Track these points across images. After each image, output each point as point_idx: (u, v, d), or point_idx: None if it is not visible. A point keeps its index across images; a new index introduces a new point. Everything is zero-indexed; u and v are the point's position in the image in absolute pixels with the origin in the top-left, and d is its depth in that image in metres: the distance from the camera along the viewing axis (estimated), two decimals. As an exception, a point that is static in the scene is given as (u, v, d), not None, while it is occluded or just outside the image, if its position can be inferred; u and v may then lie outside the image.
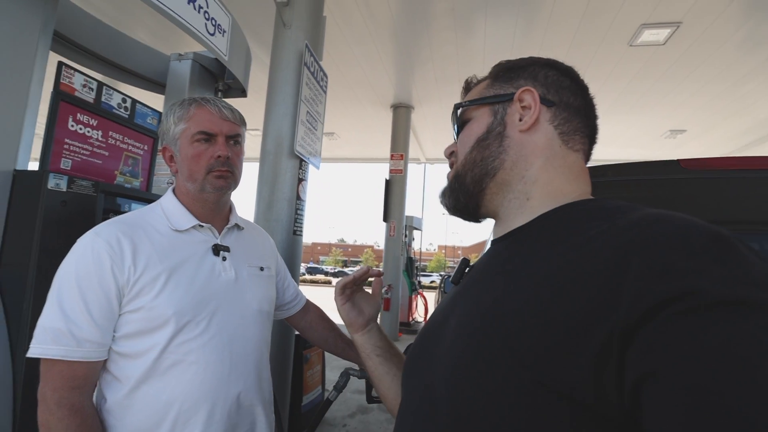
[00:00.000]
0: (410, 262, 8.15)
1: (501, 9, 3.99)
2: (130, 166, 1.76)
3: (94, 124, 1.60)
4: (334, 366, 4.00)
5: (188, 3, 1.74)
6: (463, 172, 0.59)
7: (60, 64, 1.47)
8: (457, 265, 0.65)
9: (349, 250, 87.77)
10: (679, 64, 4.82)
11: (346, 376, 1.24)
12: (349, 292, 0.83)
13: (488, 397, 0.41)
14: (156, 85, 2.28)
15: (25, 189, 1.27)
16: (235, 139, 0.98)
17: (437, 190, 0.65)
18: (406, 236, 7.70)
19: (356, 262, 77.73)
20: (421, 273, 18.03)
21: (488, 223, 0.63)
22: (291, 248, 2.43)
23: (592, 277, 0.37)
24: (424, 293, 8.90)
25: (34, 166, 1.41)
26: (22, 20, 1.35)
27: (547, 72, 0.58)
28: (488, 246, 0.71)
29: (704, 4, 3.69)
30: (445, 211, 0.65)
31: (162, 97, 2.27)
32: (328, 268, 52.95)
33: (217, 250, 0.96)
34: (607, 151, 8.58)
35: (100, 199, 1.40)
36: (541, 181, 0.54)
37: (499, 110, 0.58)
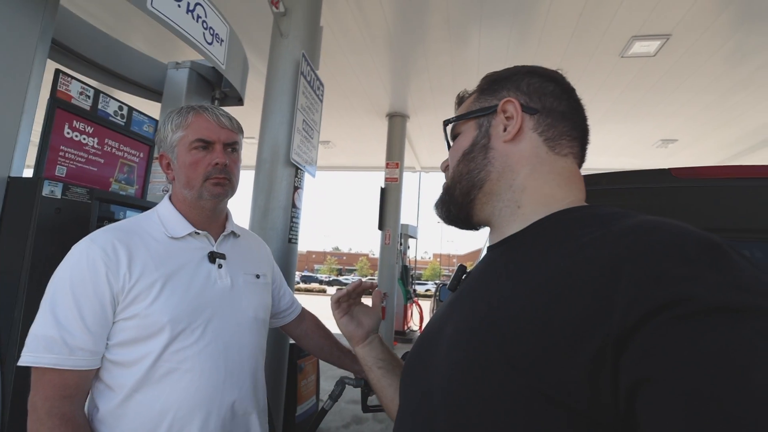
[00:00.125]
0: (405, 270, 8.13)
1: (495, 21, 4.05)
2: (125, 173, 1.75)
3: (90, 132, 1.59)
4: (329, 376, 3.97)
5: (187, 12, 1.75)
6: (453, 185, 0.61)
7: (57, 72, 1.48)
8: (452, 274, 0.66)
9: (344, 258, 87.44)
10: (670, 75, 4.91)
11: (341, 384, 1.23)
12: (346, 305, 0.83)
13: (484, 404, 0.41)
14: (153, 93, 2.28)
15: (20, 196, 1.27)
16: (232, 147, 0.99)
17: (432, 199, 0.67)
18: (401, 244, 7.70)
19: (351, 271, 77.40)
20: (417, 281, 18.00)
21: (483, 232, 0.64)
22: (286, 256, 2.43)
23: (587, 283, 0.37)
24: (420, 302, 8.87)
25: (28, 173, 1.40)
26: (20, 28, 1.35)
27: (530, 80, 0.58)
28: (484, 253, 0.72)
29: (693, 17, 3.77)
30: (440, 221, 0.66)
31: (158, 104, 2.28)
32: (323, 277, 52.68)
33: (213, 257, 0.96)
34: (600, 159, 8.67)
35: (95, 207, 1.39)
36: (529, 188, 0.55)
37: (483, 123, 0.59)
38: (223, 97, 2.43)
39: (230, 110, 1.42)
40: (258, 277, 1.06)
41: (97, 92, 1.61)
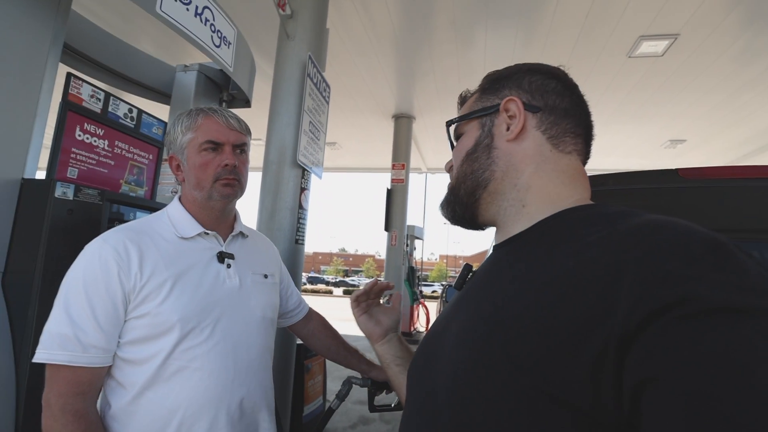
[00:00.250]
0: (412, 271, 8.12)
1: (501, 22, 4.05)
2: (135, 175, 1.78)
3: (101, 134, 1.62)
4: (336, 376, 3.98)
5: (195, 16, 1.77)
6: (457, 185, 0.61)
7: (69, 75, 1.50)
8: (458, 275, 0.67)
9: (351, 259, 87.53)
10: (678, 75, 4.87)
11: (348, 384, 1.23)
12: (365, 304, 0.87)
13: (488, 403, 0.41)
14: (161, 95, 2.31)
15: (33, 197, 1.29)
16: (241, 148, 1.00)
17: (439, 200, 0.67)
18: (407, 245, 7.69)
19: (357, 272, 77.45)
20: (423, 282, 17.97)
21: (489, 233, 0.65)
22: (293, 257, 2.44)
23: (592, 282, 0.38)
24: (426, 303, 8.86)
25: (40, 175, 1.43)
26: (33, 33, 1.38)
27: (531, 78, 0.58)
28: (490, 252, 0.72)
29: (701, 17, 3.74)
30: (447, 221, 0.67)
31: (167, 107, 2.30)
32: (330, 278, 52.76)
33: (221, 257, 0.97)
34: (608, 160, 8.61)
35: (106, 208, 1.41)
36: (534, 187, 0.55)
37: (486, 123, 0.59)
38: (230, 99, 2.46)
39: (238, 112, 1.44)
40: (266, 276, 1.07)
41: (108, 95, 1.64)
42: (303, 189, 2.51)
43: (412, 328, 7.75)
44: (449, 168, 0.66)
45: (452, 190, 0.62)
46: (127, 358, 0.84)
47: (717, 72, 4.72)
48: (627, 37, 4.14)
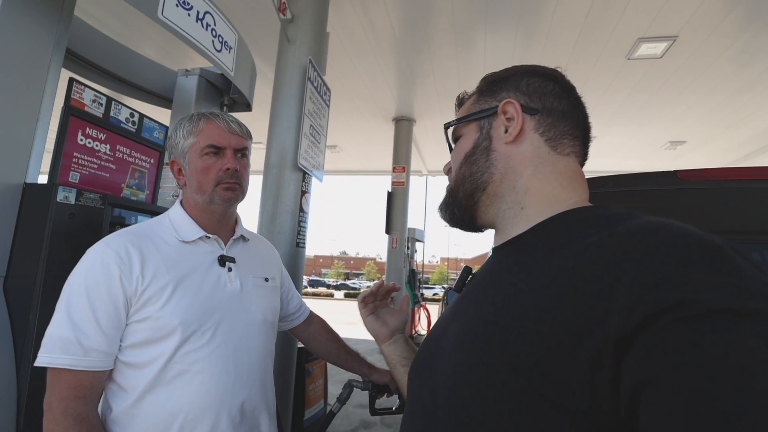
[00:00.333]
0: (413, 274, 8.12)
1: (500, 24, 4.06)
2: (136, 179, 1.79)
3: (103, 138, 1.63)
4: (337, 380, 3.97)
5: (196, 21, 1.78)
6: (456, 188, 0.61)
7: (71, 80, 1.51)
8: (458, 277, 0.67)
9: (352, 262, 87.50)
10: (677, 77, 4.88)
11: (349, 387, 1.23)
12: (372, 306, 0.88)
13: (487, 404, 0.41)
14: (163, 99, 2.32)
15: (35, 201, 1.30)
16: (242, 152, 1.00)
17: (438, 203, 0.67)
18: (408, 248, 7.69)
19: (358, 275, 77.38)
20: (424, 285, 17.96)
21: (491, 235, 0.65)
22: (294, 260, 2.45)
23: (590, 284, 0.38)
24: (427, 306, 8.85)
25: (42, 179, 1.44)
26: (36, 38, 1.39)
27: (529, 80, 0.58)
28: (490, 254, 0.72)
29: (700, 18, 3.75)
30: (445, 223, 0.67)
31: (168, 111, 2.31)
32: (331, 281, 52.72)
33: (223, 261, 0.97)
34: (608, 162, 8.61)
35: (108, 212, 1.42)
36: (533, 189, 0.55)
37: (484, 125, 0.59)
38: (231, 103, 2.47)
39: (238, 116, 1.44)
40: (267, 280, 1.08)
41: (110, 99, 1.65)
42: (304, 192, 2.52)
43: (413, 331, 7.74)
44: (448, 170, 0.66)
45: (451, 192, 0.62)
46: (128, 362, 0.85)
47: (716, 73, 4.72)
48: (626, 39, 4.15)
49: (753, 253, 1.10)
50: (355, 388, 1.23)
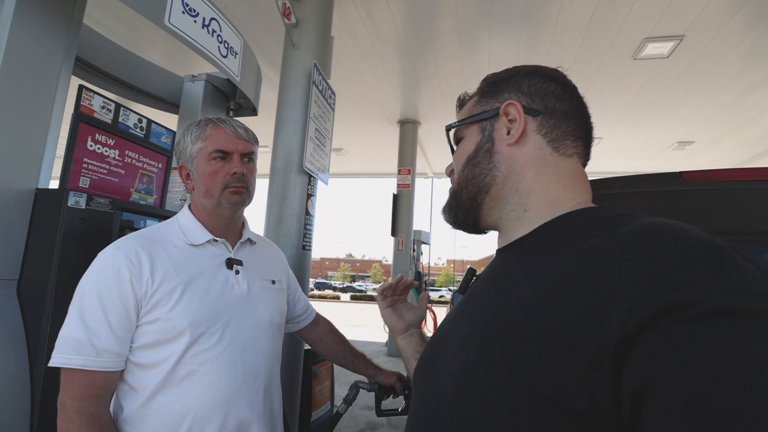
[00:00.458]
0: (419, 276, 8.11)
1: (505, 26, 4.06)
2: (145, 183, 1.81)
3: (112, 144, 1.66)
4: (343, 382, 3.98)
5: (202, 27, 1.81)
6: (459, 190, 0.61)
7: (81, 87, 1.54)
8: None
9: (358, 265, 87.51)
10: (684, 77, 4.84)
11: (355, 388, 1.24)
12: (390, 299, 0.90)
13: (488, 405, 0.41)
14: (170, 105, 2.35)
15: (47, 207, 1.32)
16: (249, 157, 1.02)
17: (441, 206, 0.67)
18: (414, 250, 7.68)
19: (364, 277, 77.37)
20: (430, 288, 17.91)
21: (496, 236, 0.65)
22: (300, 263, 2.46)
23: (591, 286, 0.38)
24: (433, 308, 8.83)
25: (53, 184, 1.46)
26: (47, 47, 1.42)
27: (530, 80, 0.58)
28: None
29: (707, 18, 3.73)
30: (449, 225, 0.67)
31: (175, 116, 2.34)
32: (337, 283, 52.77)
33: (230, 263, 0.99)
34: (615, 163, 8.55)
35: (118, 216, 1.44)
36: (536, 191, 0.55)
37: (486, 127, 0.59)
38: (237, 108, 2.49)
39: (244, 120, 1.46)
40: (274, 282, 1.09)
41: (118, 106, 1.68)
42: (309, 195, 2.53)
43: (419, 333, 7.71)
44: (450, 172, 0.67)
45: (454, 194, 0.62)
46: (138, 362, 0.86)
47: (724, 73, 4.68)
48: (632, 39, 4.13)
49: (763, 255, 1.09)
50: (361, 390, 1.24)
